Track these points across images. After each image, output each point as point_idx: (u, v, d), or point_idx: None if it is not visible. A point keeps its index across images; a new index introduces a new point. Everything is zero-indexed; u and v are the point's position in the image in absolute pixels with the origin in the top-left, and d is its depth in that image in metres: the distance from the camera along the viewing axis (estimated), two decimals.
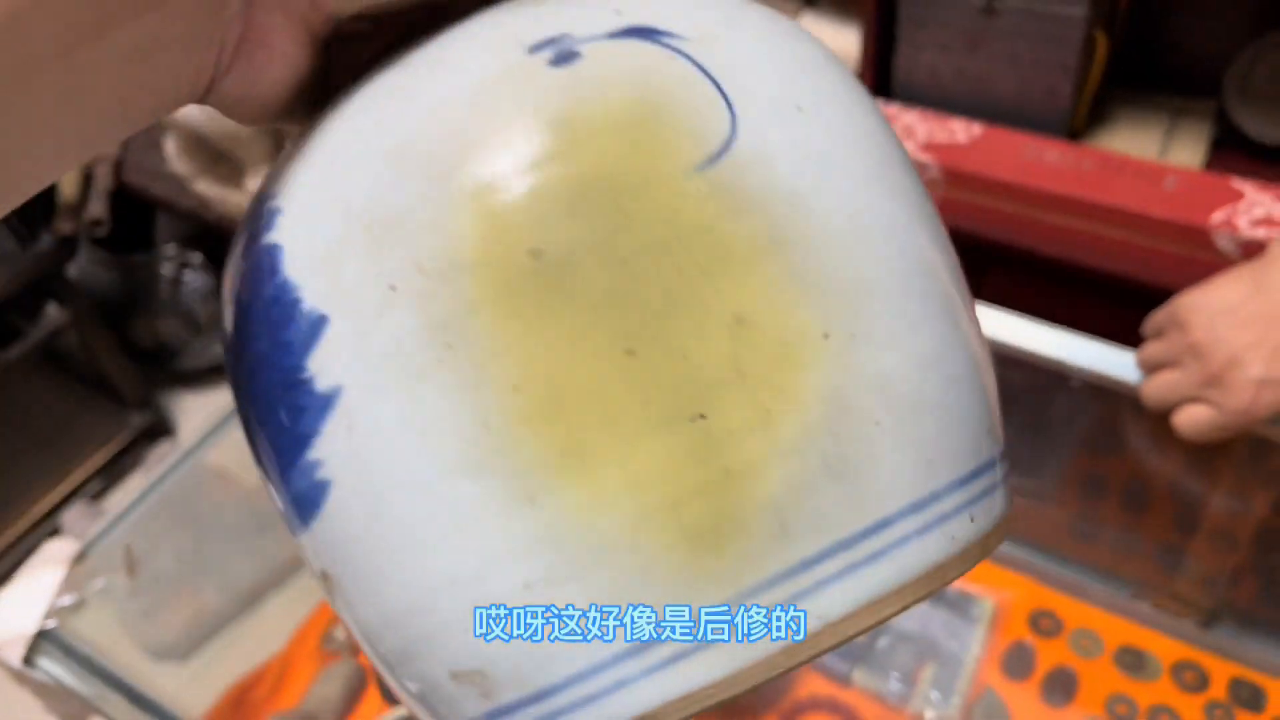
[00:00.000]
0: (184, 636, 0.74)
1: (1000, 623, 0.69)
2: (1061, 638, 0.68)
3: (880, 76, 1.26)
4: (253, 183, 1.49)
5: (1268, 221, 0.98)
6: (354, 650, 0.71)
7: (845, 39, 1.28)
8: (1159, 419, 0.59)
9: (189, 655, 0.73)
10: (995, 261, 1.11)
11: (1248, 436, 0.58)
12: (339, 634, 0.71)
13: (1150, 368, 0.60)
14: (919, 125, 1.18)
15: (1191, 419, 0.56)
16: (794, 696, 0.66)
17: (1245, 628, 0.69)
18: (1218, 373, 0.52)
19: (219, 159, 1.55)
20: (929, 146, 1.15)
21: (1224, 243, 1.00)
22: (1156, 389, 0.59)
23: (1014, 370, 0.70)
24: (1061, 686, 0.66)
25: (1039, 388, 0.68)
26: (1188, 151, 1.14)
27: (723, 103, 0.24)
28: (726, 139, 0.24)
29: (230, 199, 1.53)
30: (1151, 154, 1.15)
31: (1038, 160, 1.10)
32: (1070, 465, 0.74)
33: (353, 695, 0.68)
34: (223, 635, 0.75)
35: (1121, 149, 1.15)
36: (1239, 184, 1.03)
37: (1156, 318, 0.60)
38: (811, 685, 0.67)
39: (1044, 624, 0.69)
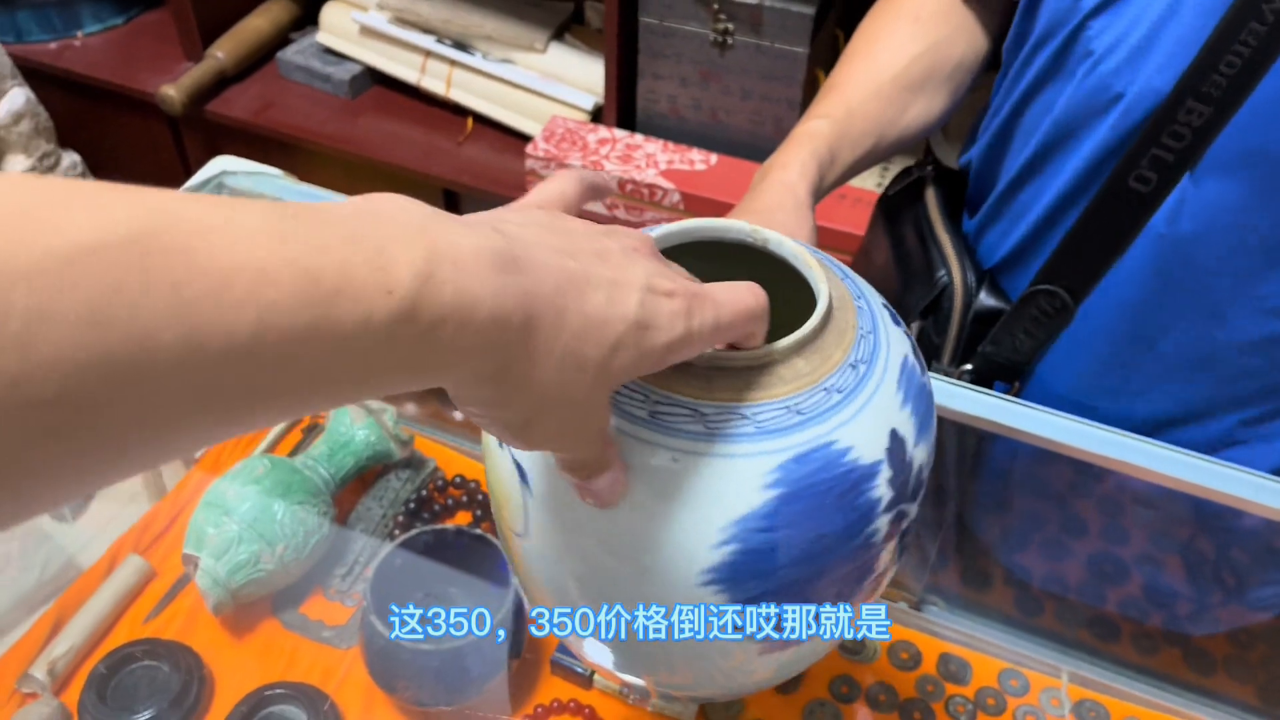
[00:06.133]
0: None
1: None
2: None
3: (624, 108, 1.30)
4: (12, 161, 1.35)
5: None
6: (55, 689, 0.65)
7: (591, 71, 1.32)
8: None
9: None
10: None
11: (948, 426, 0.63)
12: (37, 673, 0.64)
13: None
14: (660, 154, 1.23)
15: None
16: (537, 700, 0.66)
17: (950, 608, 0.75)
18: None
19: None
20: (669, 173, 1.20)
21: None
22: None
23: None
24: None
25: None
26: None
27: None
28: None
29: None
30: (870, 184, 1.25)
31: None
32: None
33: None
34: None
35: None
36: None
37: None
38: (554, 689, 0.67)
39: None
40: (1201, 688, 0.71)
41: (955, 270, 0.71)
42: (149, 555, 0.73)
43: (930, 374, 0.63)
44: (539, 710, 0.66)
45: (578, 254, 0.32)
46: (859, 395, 0.40)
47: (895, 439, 0.40)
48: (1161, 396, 0.67)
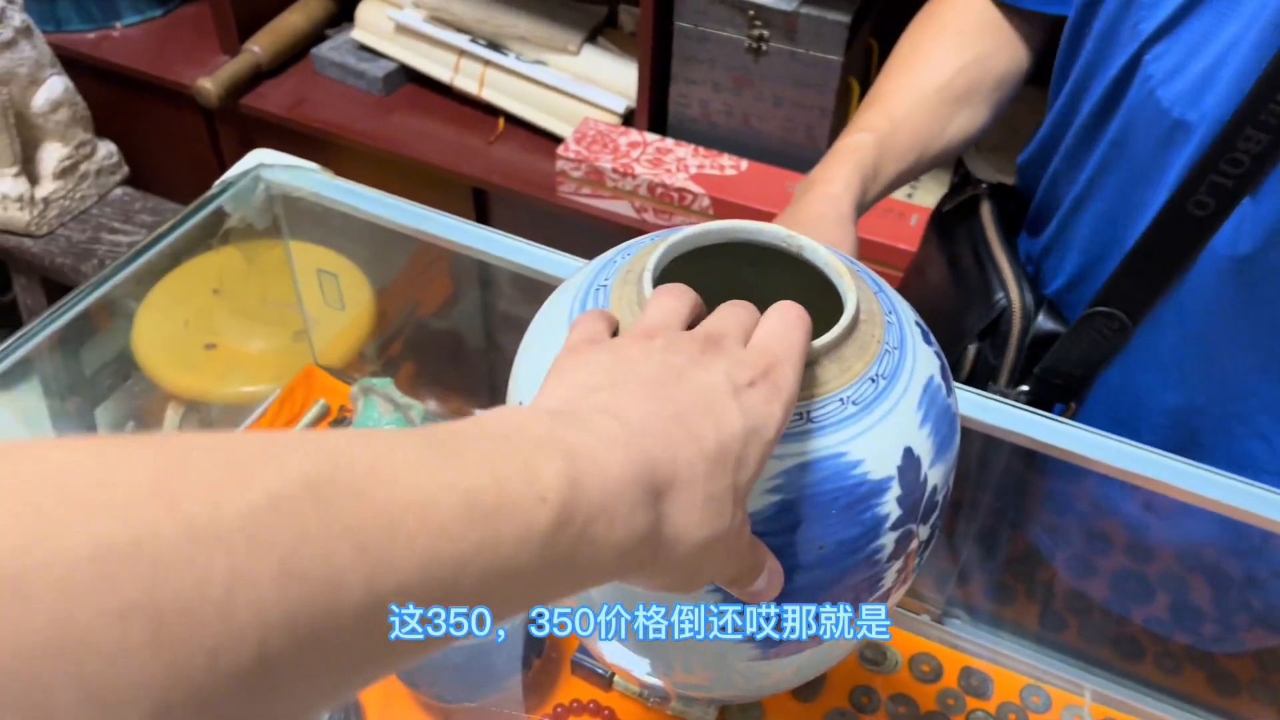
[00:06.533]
0: None
1: None
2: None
3: (656, 112, 1.30)
4: None
5: None
6: None
7: (623, 74, 1.32)
8: None
9: None
10: None
11: (974, 436, 0.63)
12: None
13: None
14: (691, 159, 1.23)
15: None
16: (557, 700, 0.66)
17: (973, 621, 0.74)
18: None
19: None
20: (699, 178, 1.20)
21: None
22: None
23: None
24: (810, 682, 0.69)
25: None
26: (931, 195, 1.25)
27: None
28: None
29: None
30: (901, 195, 1.24)
31: None
32: None
33: None
34: None
35: None
36: None
37: None
38: (574, 689, 0.67)
39: None
40: (1225, 710, 0.71)
41: (1014, 293, 0.71)
42: None
43: (983, 393, 0.63)
44: (558, 710, 0.66)
45: (667, 390, 0.32)
46: (876, 409, 0.40)
47: (909, 457, 0.40)
48: (1230, 418, 0.67)
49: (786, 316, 0.37)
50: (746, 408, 0.33)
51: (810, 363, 0.39)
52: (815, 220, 0.64)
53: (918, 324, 0.45)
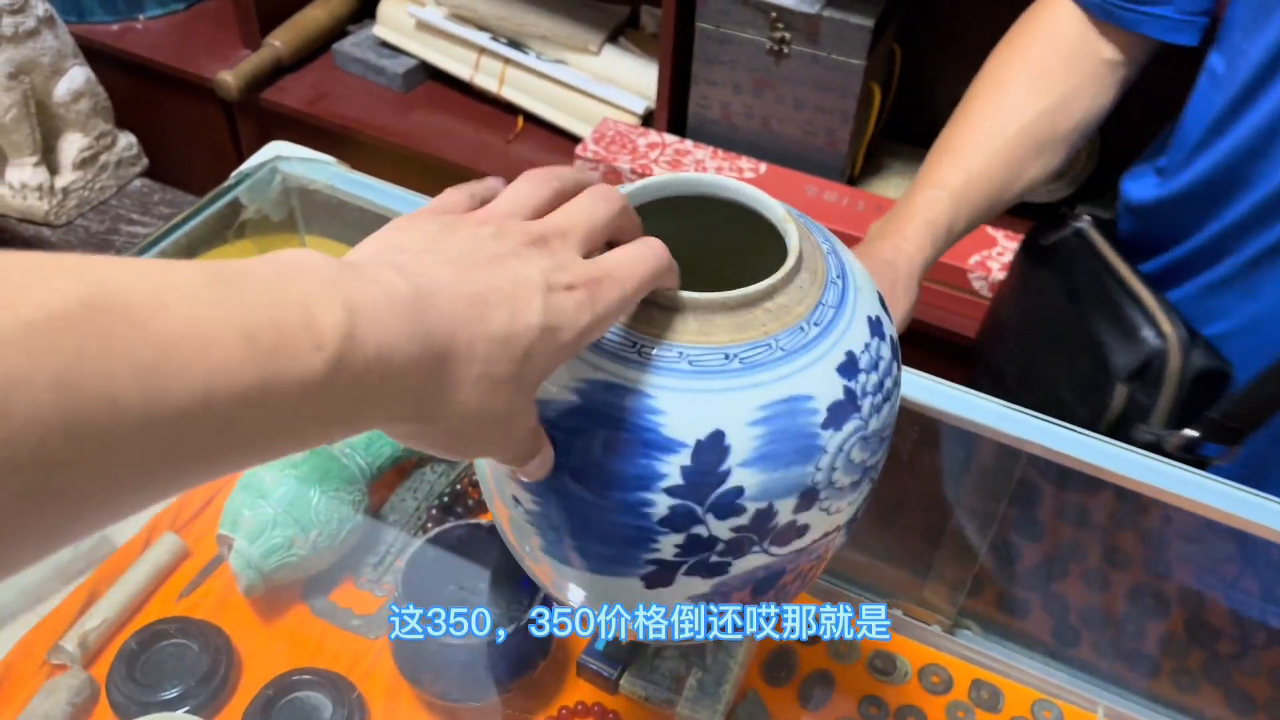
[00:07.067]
0: None
1: None
2: (820, 644, 0.70)
3: (675, 113, 1.29)
4: (16, 173, 1.37)
5: None
6: (85, 662, 0.65)
7: (643, 75, 1.32)
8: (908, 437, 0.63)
9: None
10: None
11: (990, 446, 0.62)
12: (68, 645, 0.65)
13: None
14: (709, 161, 1.23)
15: None
16: (562, 702, 0.66)
17: (985, 633, 0.73)
18: None
19: None
20: None
21: (978, 283, 1.07)
22: None
23: None
24: (818, 690, 0.68)
25: None
26: None
27: None
28: None
29: None
30: None
31: (818, 199, 1.16)
32: None
33: (80, 710, 0.63)
34: None
35: (892, 196, 1.24)
36: (993, 232, 1.12)
37: None
38: (579, 691, 0.66)
39: None
40: None
41: (1168, 329, 0.68)
42: (184, 534, 0.73)
43: (1004, 404, 0.61)
44: (563, 712, 0.65)
45: (474, 270, 0.33)
46: (711, 379, 0.39)
47: (717, 440, 0.39)
48: None
49: (643, 250, 0.38)
50: (551, 307, 0.33)
51: (671, 307, 0.39)
52: (885, 266, 0.65)
53: (849, 352, 0.41)
